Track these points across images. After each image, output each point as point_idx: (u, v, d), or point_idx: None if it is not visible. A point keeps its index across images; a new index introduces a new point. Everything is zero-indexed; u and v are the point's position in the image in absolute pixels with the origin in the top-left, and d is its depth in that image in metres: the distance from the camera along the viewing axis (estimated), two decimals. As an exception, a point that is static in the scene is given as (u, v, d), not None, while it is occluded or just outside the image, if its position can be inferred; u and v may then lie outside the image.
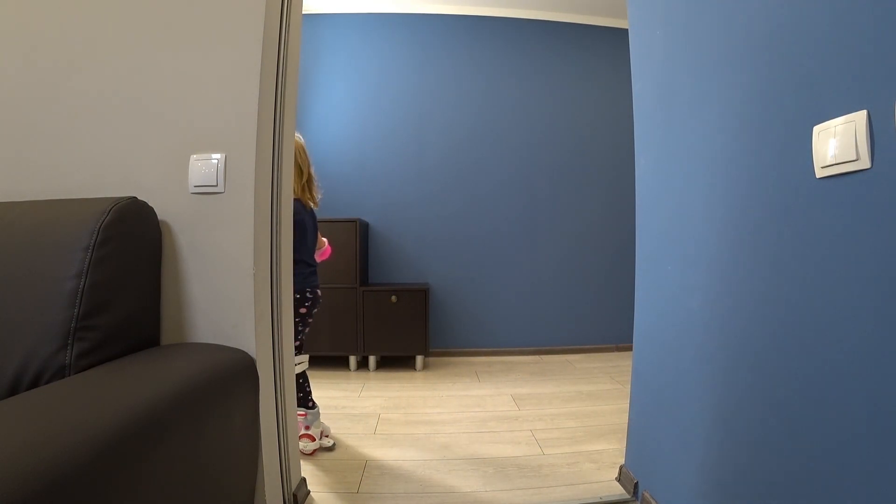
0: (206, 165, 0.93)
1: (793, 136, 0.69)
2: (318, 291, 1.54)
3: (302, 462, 1.20)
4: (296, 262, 1.42)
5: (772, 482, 0.73)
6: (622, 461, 1.27)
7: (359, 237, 2.45)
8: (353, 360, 2.45)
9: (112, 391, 0.60)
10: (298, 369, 1.46)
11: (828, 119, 0.63)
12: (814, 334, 0.66)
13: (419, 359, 2.48)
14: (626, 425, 1.27)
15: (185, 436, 0.64)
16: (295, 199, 1.46)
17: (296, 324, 1.43)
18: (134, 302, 0.81)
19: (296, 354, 1.43)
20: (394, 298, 2.41)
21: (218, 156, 0.93)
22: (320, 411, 1.54)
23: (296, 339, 1.45)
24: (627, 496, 1.17)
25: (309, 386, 1.52)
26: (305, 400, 1.48)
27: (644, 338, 1.19)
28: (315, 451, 1.45)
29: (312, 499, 1.16)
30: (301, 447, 1.42)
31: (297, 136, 1.45)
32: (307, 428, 1.45)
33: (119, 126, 0.95)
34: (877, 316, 0.56)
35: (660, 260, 1.11)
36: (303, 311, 1.48)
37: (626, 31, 1.29)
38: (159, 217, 0.90)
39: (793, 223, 0.70)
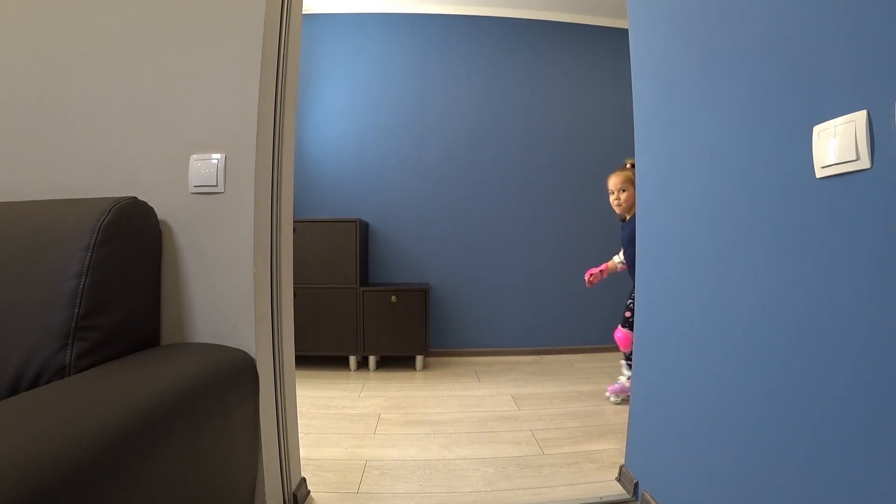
0: (206, 165, 0.93)
1: (793, 136, 0.69)
2: None
3: (302, 462, 1.20)
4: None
5: (772, 482, 0.73)
6: (622, 461, 1.27)
7: (359, 237, 2.45)
8: (353, 360, 2.45)
9: (112, 391, 0.60)
10: None
11: (828, 119, 0.63)
12: (813, 334, 0.66)
13: (419, 359, 2.48)
14: (626, 425, 1.27)
15: (184, 435, 0.64)
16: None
17: None
18: (134, 302, 0.81)
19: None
20: (394, 298, 2.41)
21: (218, 156, 0.93)
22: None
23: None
24: (627, 496, 1.17)
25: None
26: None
27: (644, 337, 1.19)
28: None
29: (312, 499, 1.16)
30: None
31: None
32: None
33: (119, 126, 0.95)
34: (877, 316, 0.56)
35: (660, 260, 1.11)
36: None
37: (626, 31, 1.28)
38: (159, 217, 0.90)
39: (793, 223, 0.70)
